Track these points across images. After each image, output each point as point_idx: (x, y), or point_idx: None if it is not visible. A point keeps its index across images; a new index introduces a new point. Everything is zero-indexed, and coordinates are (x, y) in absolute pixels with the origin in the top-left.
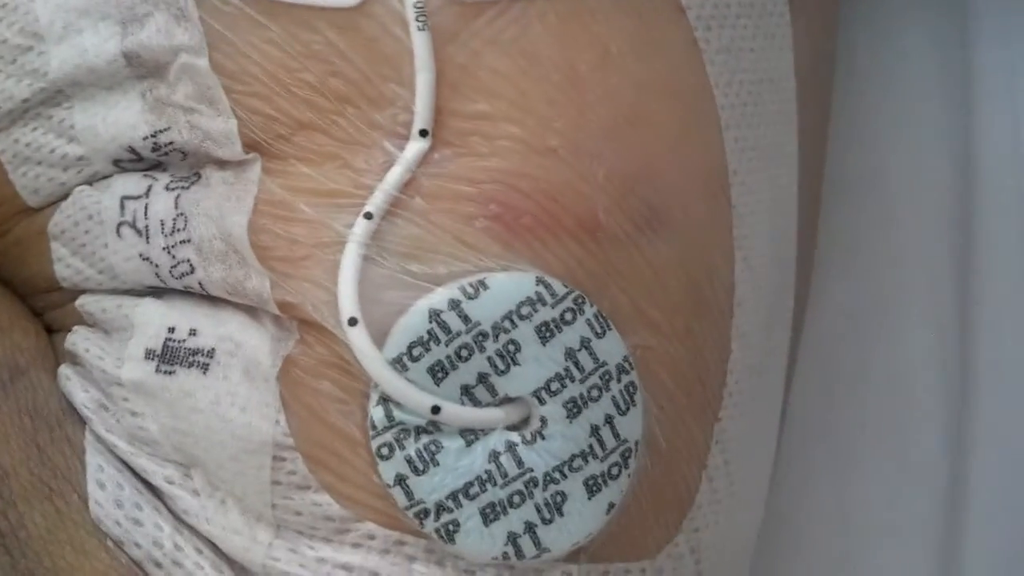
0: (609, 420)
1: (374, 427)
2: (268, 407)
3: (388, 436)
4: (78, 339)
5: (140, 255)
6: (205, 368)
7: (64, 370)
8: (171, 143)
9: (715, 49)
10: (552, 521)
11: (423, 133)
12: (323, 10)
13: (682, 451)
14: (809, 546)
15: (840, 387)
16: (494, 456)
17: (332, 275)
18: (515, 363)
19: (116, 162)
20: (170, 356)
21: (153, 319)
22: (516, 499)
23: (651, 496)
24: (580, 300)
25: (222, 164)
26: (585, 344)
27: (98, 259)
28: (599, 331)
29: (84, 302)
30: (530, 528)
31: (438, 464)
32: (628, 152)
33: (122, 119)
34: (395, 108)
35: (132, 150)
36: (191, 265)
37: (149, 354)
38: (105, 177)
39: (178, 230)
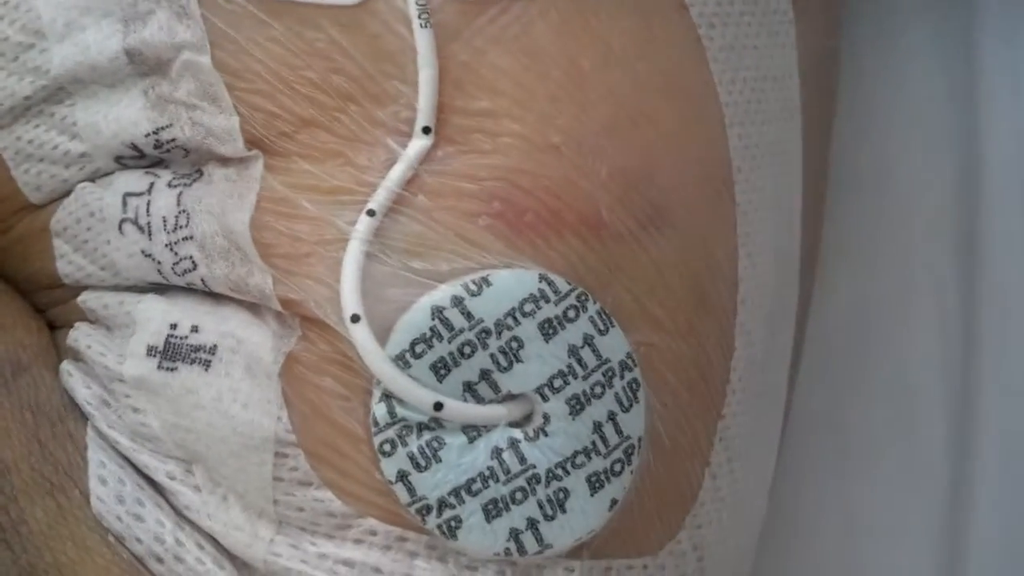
0: (612, 417)
1: (376, 424)
2: (270, 403)
3: (390, 432)
4: (80, 335)
5: (142, 252)
6: (207, 365)
7: (66, 366)
8: (173, 140)
9: (718, 47)
10: (554, 517)
11: (426, 130)
12: (326, 8)
13: (685, 448)
14: (813, 543)
15: (845, 385)
16: (497, 453)
17: (335, 272)
18: (518, 360)
19: (118, 159)
20: (172, 353)
21: (155, 316)
22: (519, 495)
23: (654, 493)
24: (583, 297)
25: (224, 161)
26: (588, 341)
27: (100, 256)
28: (602, 328)
29: (86, 298)
30: (532, 524)
31: (440, 460)
32: (631, 149)
33: (124, 116)
34: (398, 105)
35: (134, 147)
36: (193, 262)
37: (151, 351)
38: (107, 174)
39: (180, 227)
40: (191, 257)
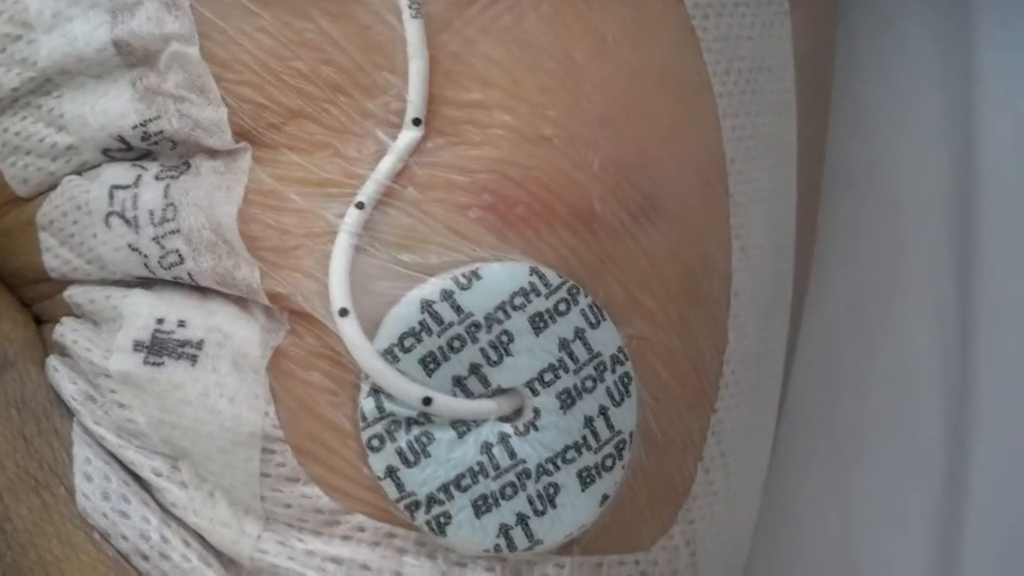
0: (603, 411)
1: (364, 419)
2: (257, 399)
3: (379, 428)
4: (66, 330)
5: (129, 245)
6: (194, 360)
7: (52, 361)
8: (161, 132)
9: (712, 37)
10: (545, 513)
11: (416, 122)
12: None
13: (677, 442)
14: (810, 536)
15: (841, 377)
16: (486, 448)
17: (323, 265)
18: (508, 354)
19: (105, 151)
20: (158, 347)
21: (141, 310)
22: (508, 491)
23: (646, 488)
24: (574, 290)
25: (212, 153)
26: (579, 334)
27: (87, 249)
28: (593, 321)
29: (72, 293)
30: (522, 520)
31: (429, 456)
32: (623, 141)
33: (111, 108)
34: (387, 96)
35: (122, 139)
36: (180, 255)
37: (137, 345)
38: (94, 167)
39: (167, 220)
40: (178, 251)
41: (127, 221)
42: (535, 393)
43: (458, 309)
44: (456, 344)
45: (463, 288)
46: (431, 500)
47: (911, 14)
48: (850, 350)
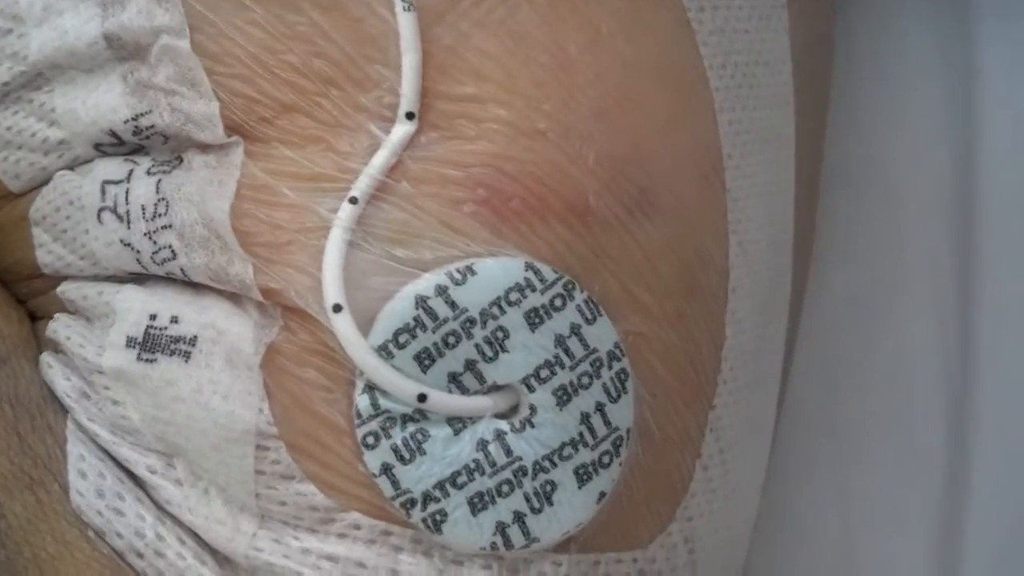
0: (600, 408)
1: (359, 415)
2: (251, 395)
3: (374, 424)
4: (59, 327)
5: (121, 241)
6: (187, 356)
7: (46, 358)
8: (152, 126)
9: (708, 30)
10: (541, 511)
11: (409, 116)
12: None
13: (675, 439)
14: (809, 535)
15: (841, 375)
16: (482, 445)
17: (316, 261)
18: (503, 350)
19: (97, 146)
20: (151, 344)
21: (134, 306)
22: (505, 488)
23: (643, 485)
24: (570, 286)
25: (204, 148)
26: (575, 330)
27: (79, 245)
28: (589, 317)
29: (65, 289)
30: (519, 518)
31: (425, 453)
32: (618, 134)
33: (103, 102)
34: (381, 90)
35: (113, 134)
36: (173, 251)
37: (130, 342)
38: (87, 162)
39: (159, 215)
40: (170, 246)
41: (119, 216)
42: (531, 390)
43: (453, 305)
44: (451, 340)
45: (457, 283)
46: (427, 498)
47: (910, 10)
48: (850, 348)
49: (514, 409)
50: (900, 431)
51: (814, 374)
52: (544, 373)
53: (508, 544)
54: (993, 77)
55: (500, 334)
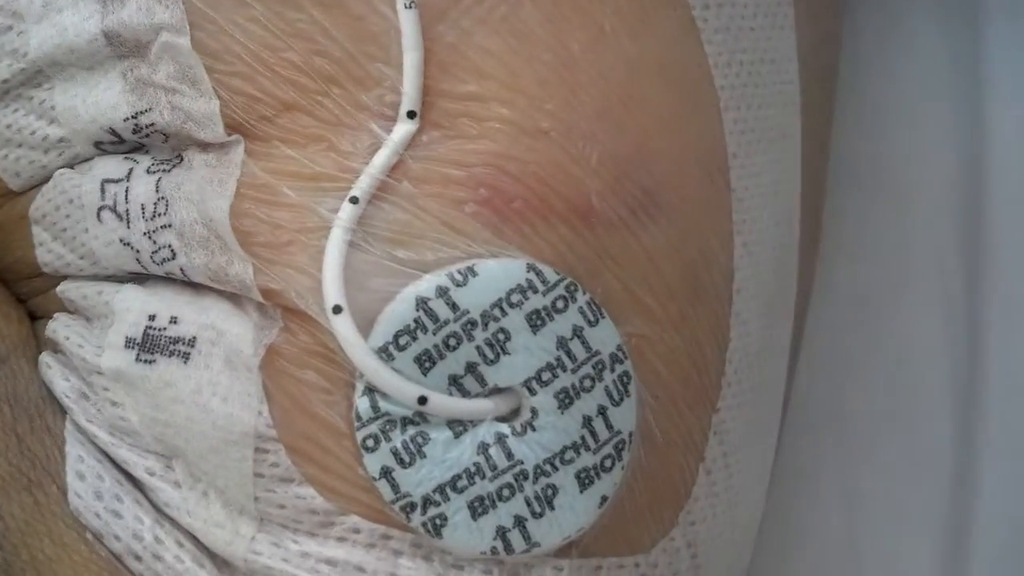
0: (602, 411)
1: (359, 418)
2: (250, 397)
3: (373, 427)
4: (59, 326)
5: (121, 240)
6: (186, 357)
7: (45, 358)
8: (152, 124)
9: (713, 28)
10: (543, 515)
11: (411, 115)
12: None
13: (678, 443)
14: (816, 535)
15: (848, 374)
16: (483, 448)
17: (316, 261)
18: (505, 352)
19: (97, 144)
20: (150, 345)
21: (133, 306)
22: (505, 492)
23: (646, 489)
24: (572, 287)
25: (204, 146)
26: (577, 333)
27: (79, 244)
28: (592, 319)
29: (65, 288)
30: (520, 522)
31: (425, 456)
32: (622, 134)
33: (103, 100)
34: (382, 89)
35: (113, 132)
36: (172, 251)
37: (129, 342)
38: (86, 160)
39: (159, 214)
40: (170, 246)
41: (119, 215)
42: (532, 392)
43: (454, 306)
44: (452, 342)
45: (459, 285)
46: (427, 501)
47: (918, 10)
48: (857, 348)
49: (515, 412)
50: (907, 431)
51: (821, 373)
52: (546, 376)
53: (509, 549)
54: (1001, 77)
55: (501, 336)
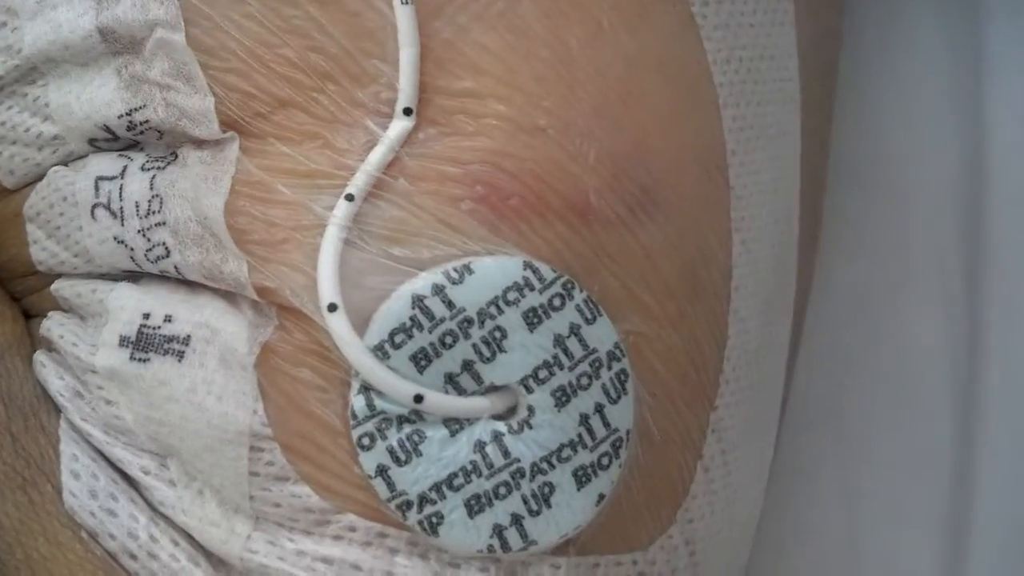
0: (599, 409)
1: (355, 416)
2: (245, 395)
3: (369, 426)
4: (53, 325)
5: (115, 238)
6: (180, 356)
7: (39, 356)
8: (146, 121)
9: (712, 25)
10: (539, 513)
11: (407, 111)
12: None
13: (676, 440)
14: (815, 534)
15: (847, 372)
16: (479, 446)
17: (312, 259)
18: (501, 350)
19: (92, 141)
20: (145, 343)
21: (127, 305)
22: (502, 490)
23: (643, 487)
24: (569, 285)
25: (199, 143)
26: (574, 330)
27: (73, 242)
28: (589, 317)
29: (59, 287)
30: (516, 520)
31: (421, 454)
32: (620, 131)
33: (97, 97)
34: (378, 85)
35: (107, 129)
36: (166, 248)
37: (123, 341)
38: (81, 157)
39: (153, 212)
40: (164, 243)
41: (113, 213)
42: (529, 390)
43: (450, 304)
44: (448, 340)
45: (455, 283)
46: (423, 500)
47: (918, 5)
48: (856, 346)
49: (512, 410)
50: (906, 429)
51: (820, 371)
52: (542, 374)
53: (505, 547)
54: (1002, 73)
55: (498, 334)
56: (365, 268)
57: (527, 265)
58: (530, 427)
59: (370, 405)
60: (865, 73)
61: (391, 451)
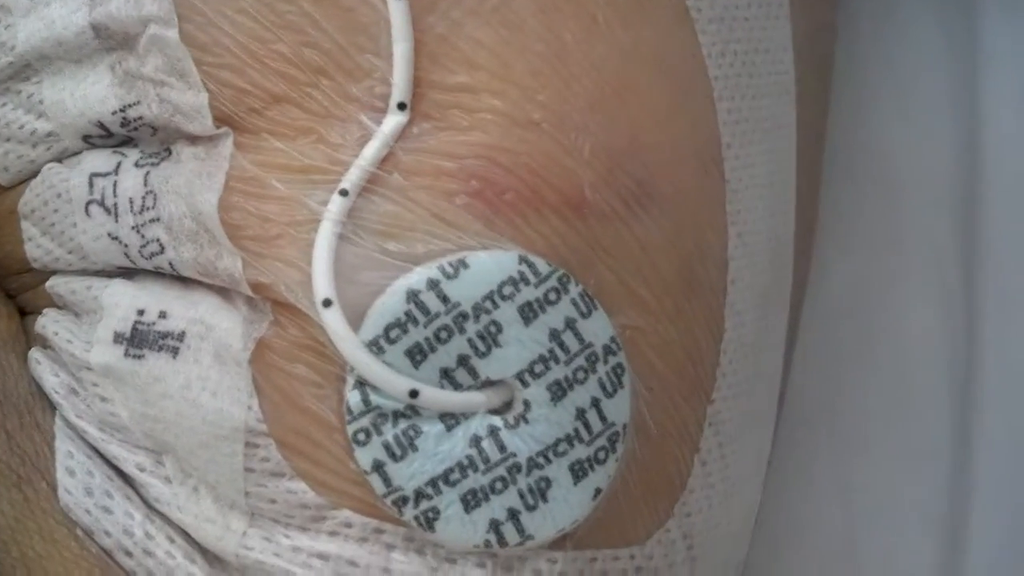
0: (595, 403)
1: (350, 412)
2: (240, 392)
3: (365, 421)
4: (48, 322)
5: (109, 234)
6: (175, 352)
7: (34, 354)
8: (140, 118)
9: (707, 18)
10: (536, 507)
11: (401, 106)
12: None
13: (673, 434)
14: (812, 530)
15: (843, 367)
16: (475, 441)
17: (306, 254)
18: (497, 345)
19: (86, 138)
20: (139, 339)
21: (122, 301)
22: (498, 485)
23: (640, 481)
24: (565, 279)
25: (193, 140)
26: (570, 324)
27: (67, 239)
28: (585, 311)
29: (54, 284)
30: (513, 515)
31: (417, 450)
32: (615, 125)
33: (91, 93)
34: (372, 80)
35: (101, 125)
36: (161, 245)
37: (118, 337)
38: (75, 154)
39: (147, 208)
40: (158, 240)
41: (107, 209)
42: (525, 385)
43: (445, 299)
44: (443, 335)
45: (450, 277)
46: (419, 495)
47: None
48: (852, 340)
49: (508, 405)
50: (903, 424)
51: (816, 366)
52: (538, 368)
53: (502, 542)
54: (998, 67)
55: (493, 329)
56: (360, 263)
57: (522, 259)
58: (526, 422)
59: (365, 400)
60: (861, 67)
61: (387, 446)
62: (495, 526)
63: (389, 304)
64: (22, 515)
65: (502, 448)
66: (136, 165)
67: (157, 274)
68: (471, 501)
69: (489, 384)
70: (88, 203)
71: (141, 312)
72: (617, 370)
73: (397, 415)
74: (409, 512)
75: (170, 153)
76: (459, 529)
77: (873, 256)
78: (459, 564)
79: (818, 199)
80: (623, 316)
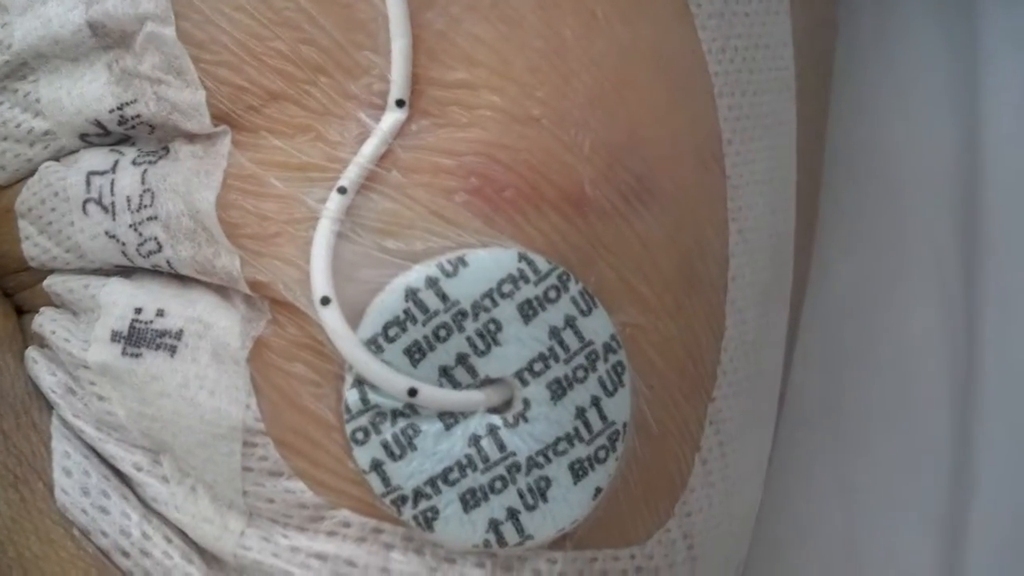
0: (596, 401)
1: (348, 411)
2: (238, 390)
3: (363, 420)
4: (45, 321)
5: (106, 233)
6: (173, 350)
7: (31, 353)
8: (138, 116)
9: (707, 13)
10: (536, 507)
11: (400, 103)
12: None
13: (673, 433)
14: (813, 528)
15: (844, 366)
16: (475, 440)
17: (304, 252)
18: (496, 343)
19: (83, 136)
20: (137, 338)
21: (119, 300)
22: (498, 484)
23: (641, 480)
24: (564, 277)
25: (191, 137)
26: (570, 322)
27: (65, 237)
28: (585, 309)
29: (51, 282)
30: (513, 514)
31: (416, 449)
32: (615, 121)
33: (88, 92)
34: (370, 77)
35: (98, 124)
36: (158, 243)
37: (115, 336)
38: (72, 152)
39: (145, 206)
40: (156, 238)
41: (104, 208)
42: (525, 383)
43: (444, 297)
44: (442, 333)
45: (448, 275)
46: (418, 494)
47: None
48: (853, 339)
49: (507, 403)
50: (904, 423)
51: (816, 365)
52: (538, 366)
53: (501, 541)
54: (998, 65)
55: (492, 327)
56: (358, 261)
57: (522, 257)
58: (526, 420)
59: (364, 399)
60: (861, 65)
61: (385, 445)
62: (494, 526)
63: (388, 302)
64: (18, 515)
65: (501, 447)
66: (134, 163)
67: (155, 273)
68: (470, 501)
69: (488, 383)
70: (85, 201)
71: (139, 311)
72: (617, 368)
73: (396, 414)
74: (408, 512)
75: (168, 151)
76: (458, 529)
77: (873, 255)
78: (458, 564)
79: (819, 196)
80: (623, 314)
